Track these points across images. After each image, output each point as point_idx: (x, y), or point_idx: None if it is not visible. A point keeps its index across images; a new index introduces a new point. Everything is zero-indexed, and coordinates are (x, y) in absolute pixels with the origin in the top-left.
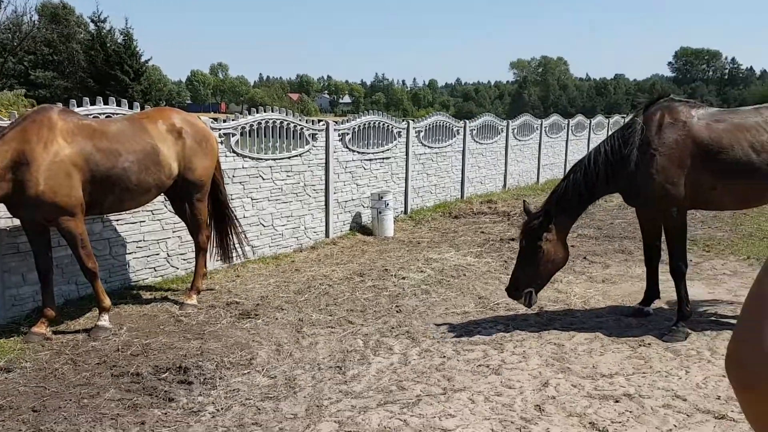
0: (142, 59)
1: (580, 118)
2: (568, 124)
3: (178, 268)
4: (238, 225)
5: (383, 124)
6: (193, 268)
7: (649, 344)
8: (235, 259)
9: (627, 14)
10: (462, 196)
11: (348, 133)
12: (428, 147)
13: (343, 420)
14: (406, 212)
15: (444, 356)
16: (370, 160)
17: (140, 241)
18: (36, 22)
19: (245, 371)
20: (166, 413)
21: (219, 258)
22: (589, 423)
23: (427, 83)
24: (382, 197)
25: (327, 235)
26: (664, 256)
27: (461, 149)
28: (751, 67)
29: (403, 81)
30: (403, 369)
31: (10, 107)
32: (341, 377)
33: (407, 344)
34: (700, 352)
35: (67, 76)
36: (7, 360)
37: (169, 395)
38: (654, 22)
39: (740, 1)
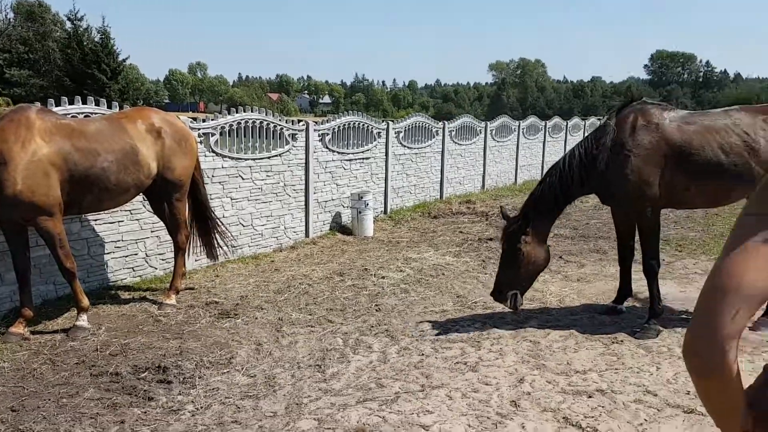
0: (120, 58)
1: (557, 120)
2: (545, 126)
3: (156, 268)
4: (219, 224)
5: (363, 125)
6: (172, 268)
7: (622, 341)
8: (221, 256)
9: (604, 17)
10: (441, 196)
11: (328, 134)
12: (408, 148)
13: (322, 417)
14: (385, 212)
15: (422, 354)
16: (350, 160)
17: (118, 240)
18: (11, 20)
19: (225, 370)
20: (145, 412)
21: (205, 256)
22: (563, 418)
23: (407, 84)
24: (362, 197)
25: (307, 234)
26: (638, 255)
27: (440, 150)
28: (725, 70)
29: (383, 82)
30: (382, 367)
31: None
32: (321, 375)
33: (386, 342)
34: (671, 349)
35: (43, 74)
36: None
37: (149, 394)
38: (630, 25)
39: (715, 6)
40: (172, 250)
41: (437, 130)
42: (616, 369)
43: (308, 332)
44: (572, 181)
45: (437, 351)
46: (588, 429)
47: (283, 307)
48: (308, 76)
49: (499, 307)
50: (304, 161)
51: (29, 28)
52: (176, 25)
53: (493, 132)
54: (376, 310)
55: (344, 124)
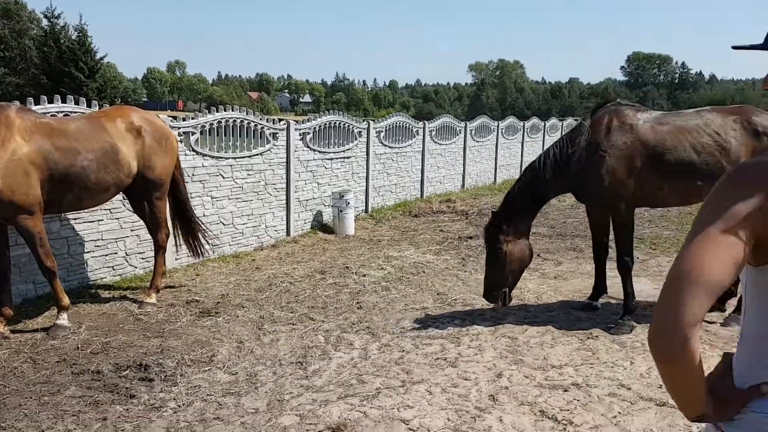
0: (97, 56)
1: (535, 120)
2: (524, 126)
3: (136, 267)
4: (200, 223)
5: (344, 124)
6: (152, 267)
7: (597, 337)
8: (205, 254)
9: (581, 19)
10: (422, 195)
11: (309, 133)
12: (388, 147)
13: (304, 413)
14: (366, 211)
15: (403, 350)
16: (331, 159)
17: (98, 239)
18: None
19: (206, 368)
20: (127, 409)
21: (185, 255)
22: (540, 411)
23: (387, 84)
24: (343, 196)
25: (288, 233)
26: (612, 253)
27: (421, 149)
28: (700, 71)
29: (364, 81)
30: (363, 363)
31: None
32: (302, 372)
33: (367, 339)
34: (645, 344)
35: (19, 72)
36: None
37: (131, 392)
38: (607, 26)
39: (691, 8)
40: (152, 249)
41: (418, 130)
42: (591, 364)
43: (290, 330)
44: (547, 180)
45: (417, 347)
46: (563, 422)
47: (264, 305)
48: (288, 75)
49: (478, 304)
50: (285, 160)
51: (5, 25)
52: (155, 23)
53: (473, 132)
54: (358, 308)
55: (325, 124)
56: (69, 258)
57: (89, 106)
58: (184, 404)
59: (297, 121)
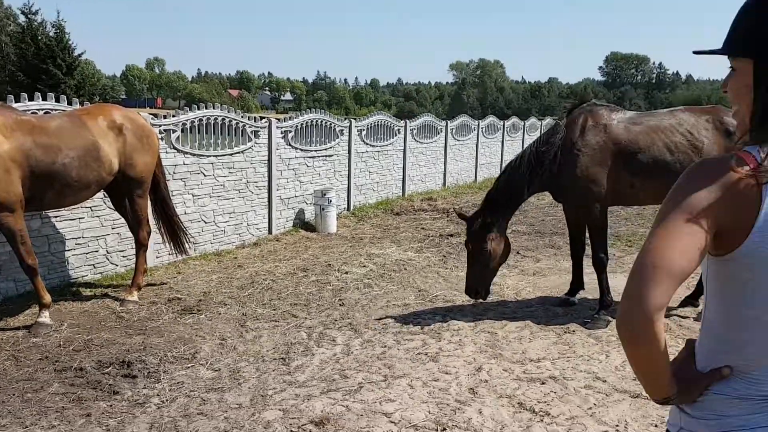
0: (75, 53)
1: (514, 119)
2: (504, 126)
3: (117, 265)
4: (180, 221)
5: (326, 123)
6: (133, 265)
7: (574, 331)
8: (187, 252)
9: (561, 19)
10: (403, 193)
11: (291, 131)
12: (370, 145)
13: (287, 408)
14: (348, 209)
15: (385, 346)
16: (313, 157)
17: (79, 237)
18: None
19: (189, 365)
20: (111, 405)
21: (166, 254)
22: (518, 403)
23: (369, 82)
24: (325, 194)
25: (270, 231)
26: (589, 250)
27: (402, 148)
28: (677, 71)
29: (345, 79)
30: (345, 359)
31: None
32: (285, 368)
33: (350, 335)
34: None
35: None
36: None
37: (114, 388)
38: (586, 27)
39: (668, 9)
40: (133, 247)
41: (399, 129)
42: (568, 357)
43: (272, 327)
44: (525, 178)
45: (399, 343)
46: (541, 413)
47: (246, 302)
48: (269, 73)
49: (459, 300)
50: (266, 158)
51: None
52: (134, 20)
53: (454, 131)
54: (340, 305)
55: (307, 122)
56: (50, 256)
57: (70, 103)
58: (167, 400)
59: (278, 119)
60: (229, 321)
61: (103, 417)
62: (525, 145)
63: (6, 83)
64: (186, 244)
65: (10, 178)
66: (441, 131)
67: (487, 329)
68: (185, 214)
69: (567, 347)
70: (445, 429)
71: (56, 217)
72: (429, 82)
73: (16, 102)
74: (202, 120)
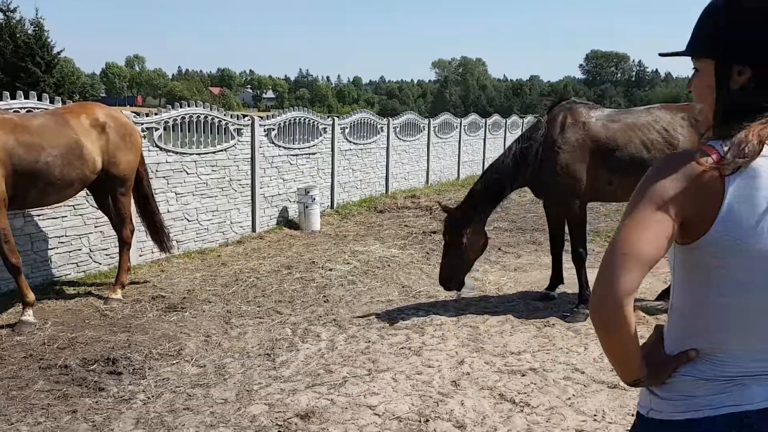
0: (54, 51)
1: (496, 117)
2: (486, 124)
3: (101, 264)
4: (162, 219)
5: (309, 120)
6: (116, 264)
7: (553, 324)
8: (171, 249)
9: (542, 17)
10: (387, 191)
11: (274, 129)
12: (353, 143)
13: (272, 402)
14: (332, 207)
15: (369, 341)
16: (296, 155)
17: (62, 236)
18: None
19: (174, 361)
20: (97, 402)
21: (149, 251)
22: (499, 395)
23: (351, 80)
24: (308, 192)
25: (254, 229)
26: (569, 245)
27: (385, 146)
28: (656, 69)
29: (328, 77)
30: (330, 354)
31: None
32: (270, 364)
33: (334, 331)
34: None
35: None
36: None
37: (99, 385)
38: (567, 25)
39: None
40: (116, 245)
41: (382, 127)
42: (548, 350)
43: (257, 323)
44: (508, 175)
45: (383, 338)
46: (521, 404)
47: (231, 299)
48: (251, 71)
49: (442, 296)
50: (249, 156)
51: None
52: (113, 18)
53: (437, 129)
54: (324, 301)
55: (290, 120)
56: (33, 254)
57: (52, 102)
58: (153, 396)
59: (261, 117)
60: (214, 318)
61: (89, 413)
62: (507, 143)
63: None
64: (169, 242)
65: None
66: (424, 129)
67: (469, 324)
68: (168, 212)
69: (547, 340)
70: (428, 420)
71: (39, 215)
72: (412, 80)
73: None
74: (184, 118)
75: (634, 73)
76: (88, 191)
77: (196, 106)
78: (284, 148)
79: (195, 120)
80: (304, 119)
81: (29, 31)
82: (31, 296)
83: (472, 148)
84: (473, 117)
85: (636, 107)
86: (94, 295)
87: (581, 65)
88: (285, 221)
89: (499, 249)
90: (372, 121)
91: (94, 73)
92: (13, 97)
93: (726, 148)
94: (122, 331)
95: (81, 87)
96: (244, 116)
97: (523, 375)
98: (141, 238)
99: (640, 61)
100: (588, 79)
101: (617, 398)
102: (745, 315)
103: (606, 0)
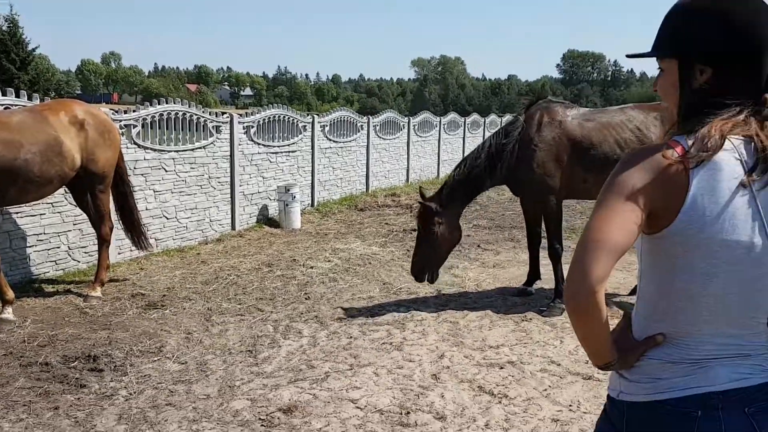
0: (29, 47)
1: (475, 116)
2: (465, 122)
3: (79, 261)
4: (140, 217)
5: (288, 118)
6: (95, 261)
7: (531, 319)
8: (149, 247)
9: (520, 17)
10: (367, 189)
11: (253, 126)
12: (333, 141)
13: (255, 397)
14: (312, 205)
15: (351, 337)
16: (276, 153)
17: (41, 234)
18: None
19: (155, 358)
20: (79, 398)
21: (128, 249)
22: (478, 387)
23: (330, 78)
24: (288, 190)
25: (233, 227)
26: (545, 242)
27: (366, 144)
28: (631, 69)
29: (307, 75)
30: (312, 350)
31: None
32: (252, 360)
33: (316, 328)
34: None
35: None
36: None
37: (81, 382)
38: (544, 25)
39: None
40: (95, 243)
41: (362, 125)
42: (525, 343)
43: (238, 320)
44: (483, 170)
45: (365, 333)
46: (499, 395)
47: (211, 297)
48: (228, 68)
49: (422, 293)
50: (228, 154)
51: None
52: (89, 14)
53: (416, 127)
54: (306, 299)
55: (269, 117)
56: (11, 252)
57: (30, 99)
58: (135, 392)
59: (240, 115)
60: (194, 315)
61: (71, 410)
62: None
63: None
64: (147, 240)
65: None
66: (403, 127)
67: (449, 319)
68: (146, 210)
69: (524, 334)
70: (409, 412)
71: (17, 213)
72: (391, 78)
73: None
74: (162, 115)
75: (609, 72)
76: (66, 188)
77: (174, 103)
78: (264, 145)
79: (173, 117)
80: (284, 117)
81: (3, 28)
82: (10, 294)
83: (451, 147)
84: (452, 116)
85: (610, 107)
86: (74, 293)
87: (558, 65)
88: (265, 219)
89: (479, 246)
90: (352, 120)
91: (70, 70)
92: None
93: (690, 143)
94: (102, 329)
95: (56, 84)
96: (223, 113)
97: (502, 368)
98: (120, 236)
99: (615, 61)
100: (565, 78)
101: (592, 389)
102: (707, 301)
103: (582, 0)
